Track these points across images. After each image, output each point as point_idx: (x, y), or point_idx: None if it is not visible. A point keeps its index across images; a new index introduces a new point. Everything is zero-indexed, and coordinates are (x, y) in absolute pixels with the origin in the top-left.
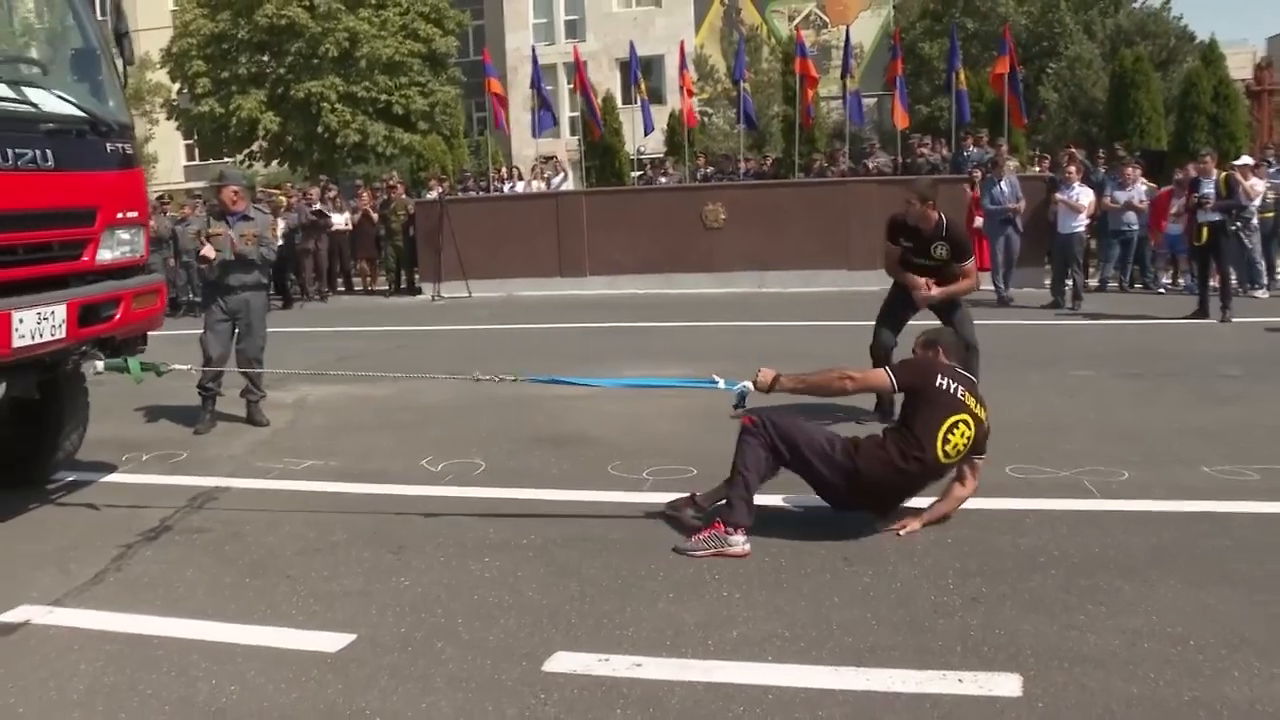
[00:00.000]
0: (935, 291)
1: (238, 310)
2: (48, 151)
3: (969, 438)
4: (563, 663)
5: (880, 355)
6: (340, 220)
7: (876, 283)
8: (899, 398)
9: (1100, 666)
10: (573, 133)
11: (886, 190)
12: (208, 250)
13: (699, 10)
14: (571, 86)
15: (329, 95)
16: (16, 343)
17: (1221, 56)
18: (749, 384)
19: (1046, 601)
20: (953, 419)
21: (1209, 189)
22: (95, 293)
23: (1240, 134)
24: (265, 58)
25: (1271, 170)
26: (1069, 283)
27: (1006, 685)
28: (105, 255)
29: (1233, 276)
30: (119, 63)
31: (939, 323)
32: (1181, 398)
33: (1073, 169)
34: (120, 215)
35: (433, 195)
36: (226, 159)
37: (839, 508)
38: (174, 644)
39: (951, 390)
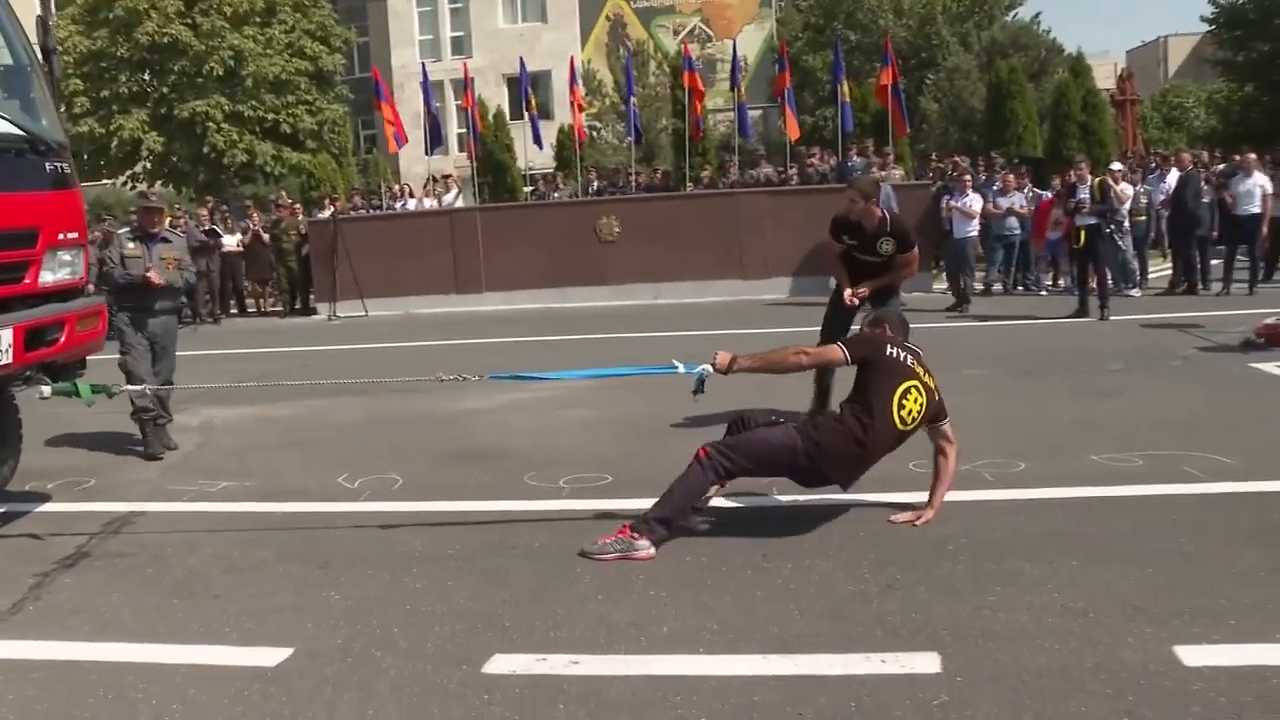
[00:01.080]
0: (862, 289)
1: (157, 333)
2: None
3: (922, 404)
4: (502, 664)
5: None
6: (232, 241)
7: (770, 291)
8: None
9: (1010, 641)
10: (461, 149)
11: (778, 200)
12: (153, 274)
13: (585, 26)
14: (461, 103)
15: (214, 114)
16: None
17: (1088, 68)
18: (708, 366)
19: (957, 585)
20: (905, 385)
21: (1084, 194)
22: (41, 315)
23: (1109, 141)
24: (147, 76)
25: (1151, 177)
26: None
27: (926, 663)
28: (47, 277)
29: (1109, 277)
30: (49, 79)
31: None
32: (1068, 392)
33: (967, 178)
34: (61, 236)
35: (325, 214)
36: (106, 181)
37: (812, 485)
38: (106, 667)
39: (901, 359)
